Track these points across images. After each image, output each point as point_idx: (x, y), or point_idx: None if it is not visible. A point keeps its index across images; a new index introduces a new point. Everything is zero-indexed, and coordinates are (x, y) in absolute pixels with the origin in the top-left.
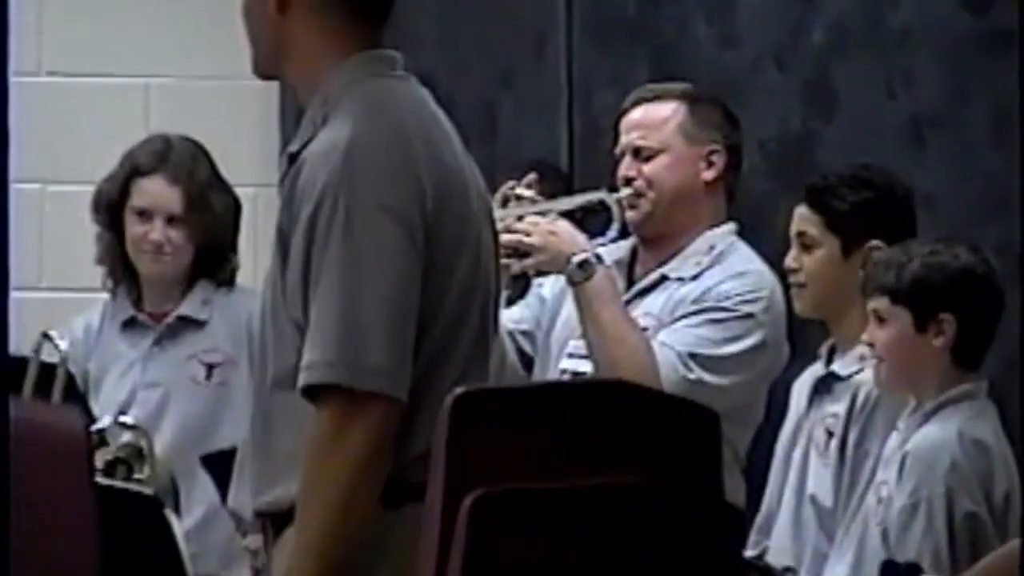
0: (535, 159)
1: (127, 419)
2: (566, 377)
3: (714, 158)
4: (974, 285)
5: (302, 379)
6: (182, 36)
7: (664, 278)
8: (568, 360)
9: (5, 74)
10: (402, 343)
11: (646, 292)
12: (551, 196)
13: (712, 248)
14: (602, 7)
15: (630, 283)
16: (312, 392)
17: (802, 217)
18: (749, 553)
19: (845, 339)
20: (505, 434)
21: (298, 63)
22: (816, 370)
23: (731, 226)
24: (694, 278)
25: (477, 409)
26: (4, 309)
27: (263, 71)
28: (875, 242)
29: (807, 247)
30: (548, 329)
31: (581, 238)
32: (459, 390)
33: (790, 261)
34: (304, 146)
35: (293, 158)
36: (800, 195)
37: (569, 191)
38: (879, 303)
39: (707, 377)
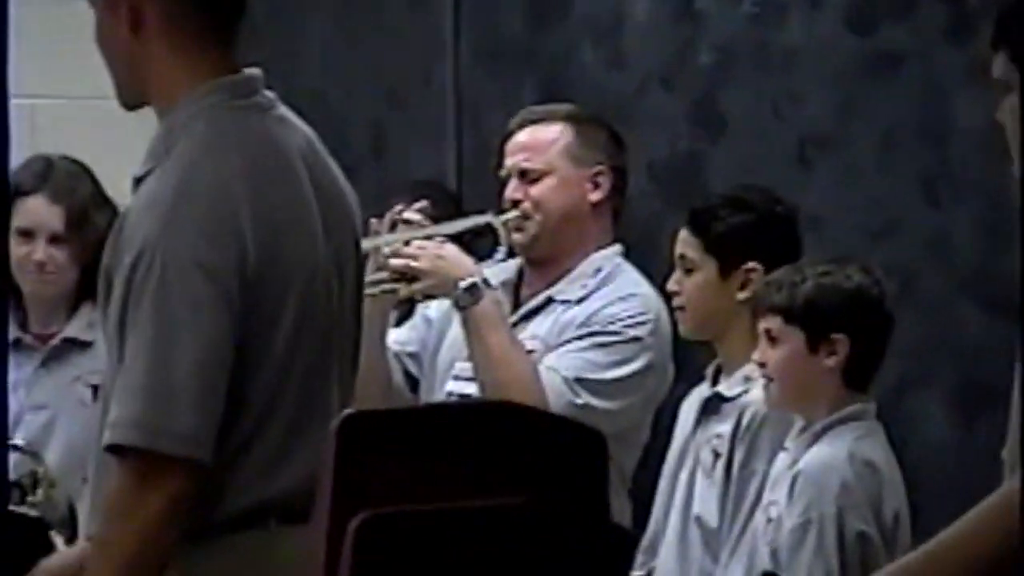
0: (424, 181)
1: (19, 442)
2: (452, 399)
3: (600, 180)
4: (867, 306)
5: (106, 436)
6: (67, 57)
7: (550, 300)
8: (454, 382)
9: (5, 75)
10: (210, 404)
11: (533, 314)
12: (440, 218)
13: (598, 270)
14: (490, 29)
15: (517, 305)
16: (114, 449)
17: (683, 239)
18: (636, 574)
19: (730, 360)
20: (392, 456)
21: (156, 88)
22: (702, 391)
23: (617, 248)
24: (580, 301)
25: (363, 431)
26: (4, 308)
27: (126, 100)
28: (751, 264)
29: (688, 270)
30: (434, 350)
31: (468, 262)
32: (345, 412)
33: (672, 284)
34: (147, 174)
35: (138, 182)
36: (686, 217)
37: (458, 213)
38: (772, 323)
39: (594, 401)
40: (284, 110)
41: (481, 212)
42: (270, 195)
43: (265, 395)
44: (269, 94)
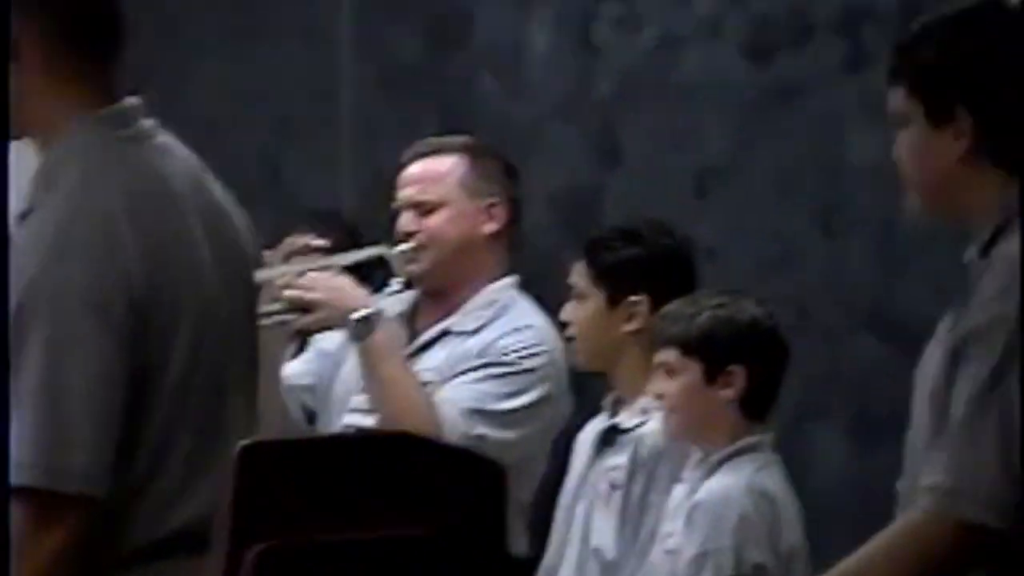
0: (319, 211)
1: None
2: (348, 431)
3: (495, 211)
4: (762, 337)
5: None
6: None
7: (446, 332)
8: (351, 415)
9: (5, 77)
10: (103, 439)
11: (428, 346)
12: (336, 250)
13: (493, 302)
14: (388, 56)
15: (413, 336)
16: (14, 492)
17: (576, 269)
18: None
19: (627, 391)
20: (291, 487)
21: (33, 121)
22: (599, 423)
23: (512, 279)
24: (475, 332)
25: (263, 461)
26: (4, 310)
27: (13, 134)
28: (637, 297)
29: (579, 300)
30: (330, 383)
31: (362, 293)
32: (245, 441)
33: (564, 313)
34: (29, 212)
35: (22, 219)
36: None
37: (354, 244)
38: (668, 355)
39: (490, 432)
40: (167, 138)
41: (375, 244)
42: (155, 227)
43: (163, 426)
44: (148, 123)
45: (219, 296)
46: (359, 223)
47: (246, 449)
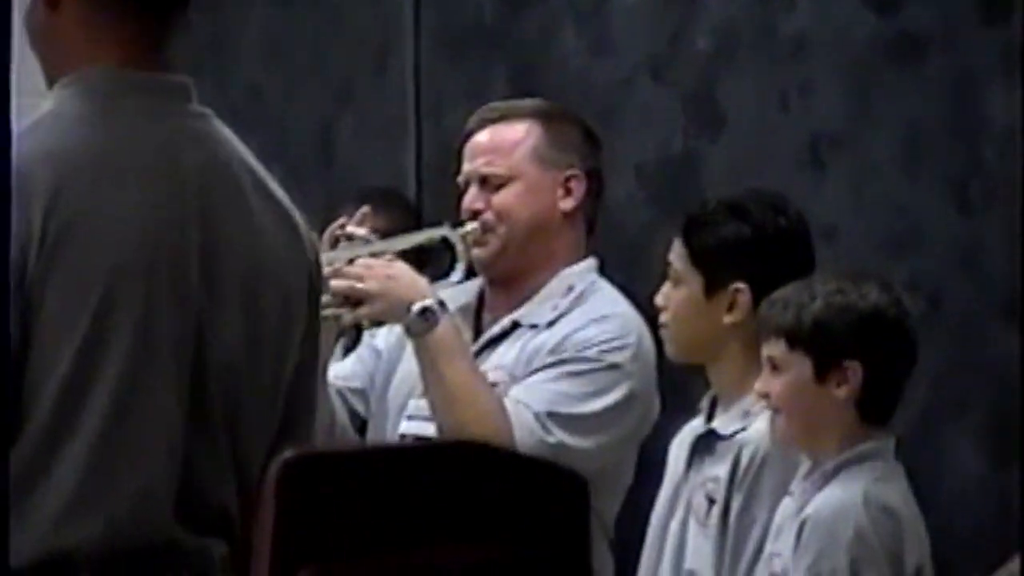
0: (378, 188)
1: None
2: (407, 441)
3: (572, 185)
4: (884, 329)
5: None
6: None
7: (516, 325)
8: (408, 422)
9: (6, 75)
10: None
11: (496, 342)
12: (394, 232)
13: (570, 289)
14: (454, 13)
15: (478, 332)
16: None
17: (674, 248)
18: None
19: (726, 392)
20: (340, 503)
21: (69, 69)
22: (695, 427)
23: (591, 262)
24: (550, 324)
25: (308, 475)
26: (5, 309)
27: (49, 82)
28: (739, 284)
29: (675, 283)
30: (384, 387)
31: (422, 283)
32: (288, 453)
33: (659, 297)
34: None
35: None
36: (681, 226)
37: (417, 225)
38: (775, 348)
39: (569, 439)
40: (207, 124)
41: (438, 224)
42: (87, 193)
43: (51, 420)
44: (195, 107)
45: (195, 295)
46: (423, 202)
47: (289, 462)
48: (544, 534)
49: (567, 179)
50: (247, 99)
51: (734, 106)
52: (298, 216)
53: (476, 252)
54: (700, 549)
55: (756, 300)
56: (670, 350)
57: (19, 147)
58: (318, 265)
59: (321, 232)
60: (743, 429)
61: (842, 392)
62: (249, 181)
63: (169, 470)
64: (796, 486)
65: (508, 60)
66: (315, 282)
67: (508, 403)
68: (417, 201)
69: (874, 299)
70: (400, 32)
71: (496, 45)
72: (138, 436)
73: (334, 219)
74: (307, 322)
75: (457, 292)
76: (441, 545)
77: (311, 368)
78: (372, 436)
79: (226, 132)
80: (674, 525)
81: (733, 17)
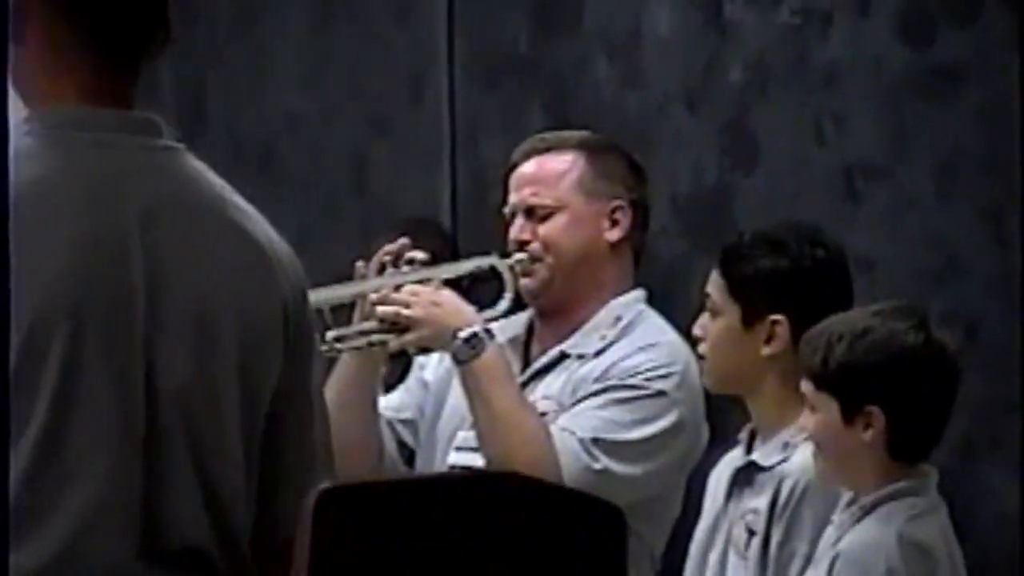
0: (413, 218)
1: None
2: (442, 473)
3: (618, 216)
4: (910, 372)
5: None
6: None
7: (564, 356)
8: (457, 453)
9: (5, 74)
10: None
11: (544, 372)
12: (432, 261)
13: (618, 319)
14: (489, 42)
15: (527, 364)
16: None
17: (712, 280)
18: None
19: (765, 423)
20: (377, 536)
21: (30, 104)
22: (735, 459)
23: (639, 293)
24: (598, 354)
25: (345, 507)
26: (5, 309)
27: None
28: (776, 316)
29: (712, 314)
30: (433, 418)
31: (468, 310)
32: (325, 485)
33: (696, 328)
34: None
35: None
36: (715, 257)
37: (453, 254)
38: (807, 387)
39: (615, 466)
40: (169, 157)
41: (485, 254)
42: (13, 231)
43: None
44: (161, 141)
45: (143, 331)
46: (458, 231)
47: (326, 493)
48: (581, 566)
49: (613, 210)
50: (283, 127)
51: (768, 137)
52: (276, 248)
53: (524, 282)
54: None
55: (794, 332)
56: (707, 381)
57: None
58: (298, 295)
59: (361, 261)
60: (783, 460)
61: (868, 435)
62: (211, 215)
63: (111, 501)
64: (837, 516)
65: (542, 89)
66: (292, 313)
67: (554, 430)
68: (452, 230)
69: (903, 340)
70: (435, 61)
71: (530, 74)
72: (69, 467)
73: (369, 247)
74: (286, 354)
75: (506, 324)
76: None
77: (296, 400)
78: (421, 467)
79: (195, 166)
80: (713, 557)
81: (766, 48)
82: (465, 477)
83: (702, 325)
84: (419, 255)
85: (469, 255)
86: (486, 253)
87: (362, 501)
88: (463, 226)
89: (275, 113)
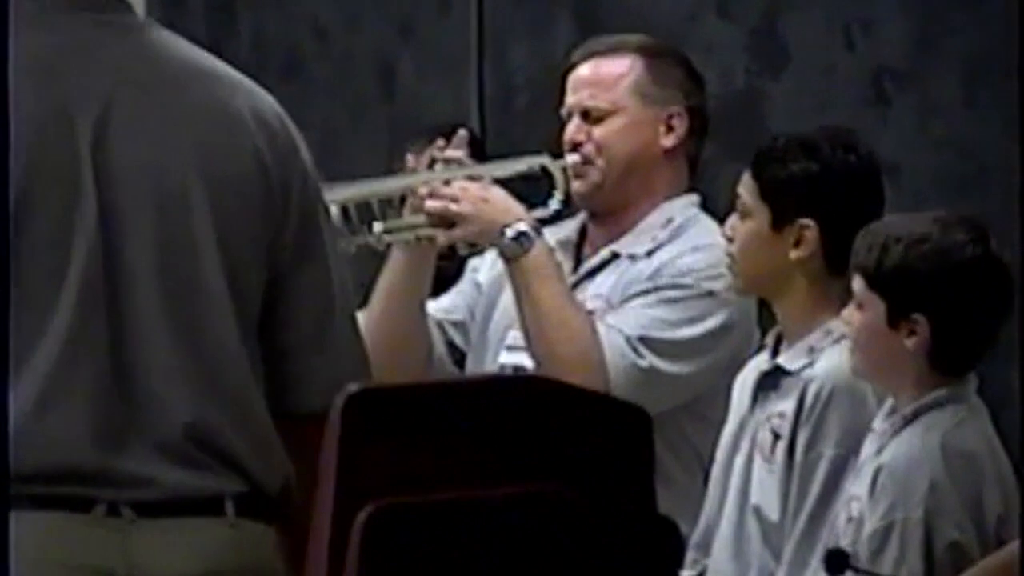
0: (441, 125)
1: None
2: (507, 372)
3: (674, 122)
4: (962, 286)
5: None
6: None
7: (615, 255)
8: (507, 353)
9: (5, 74)
10: None
11: (595, 272)
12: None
13: (670, 221)
14: None
15: (578, 265)
16: None
17: (743, 181)
18: (686, 573)
19: (791, 327)
20: (404, 439)
21: None
22: (760, 363)
23: (693, 197)
24: (649, 254)
25: (372, 409)
26: (5, 311)
27: None
28: (805, 220)
29: (742, 215)
30: (484, 320)
31: (517, 207)
32: (351, 387)
33: (726, 228)
34: None
35: None
36: (744, 162)
37: (481, 159)
38: (856, 284)
39: (661, 364)
40: (140, 29)
41: (537, 153)
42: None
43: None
44: (137, 17)
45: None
46: (486, 139)
47: (353, 397)
48: (608, 468)
49: (669, 116)
50: (310, 36)
51: (797, 42)
52: (257, 113)
53: (575, 184)
54: (765, 485)
55: (823, 236)
56: (735, 283)
57: None
58: (280, 154)
59: (411, 155)
60: (809, 365)
61: (911, 343)
62: (168, 85)
63: (61, 384)
64: (878, 425)
65: None
66: (270, 171)
67: (600, 327)
68: (481, 136)
69: (960, 252)
70: None
71: None
72: (18, 358)
73: (397, 154)
74: (273, 215)
75: (558, 228)
76: (505, 480)
77: (304, 263)
78: (471, 368)
79: (156, 40)
80: (739, 461)
81: None
82: (492, 380)
83: (732, 226)
84: (458, 154)
85: (500, 158)
86: (538, 153)
87: (389, 403)
88: (491, 133)
89: (302, 21)
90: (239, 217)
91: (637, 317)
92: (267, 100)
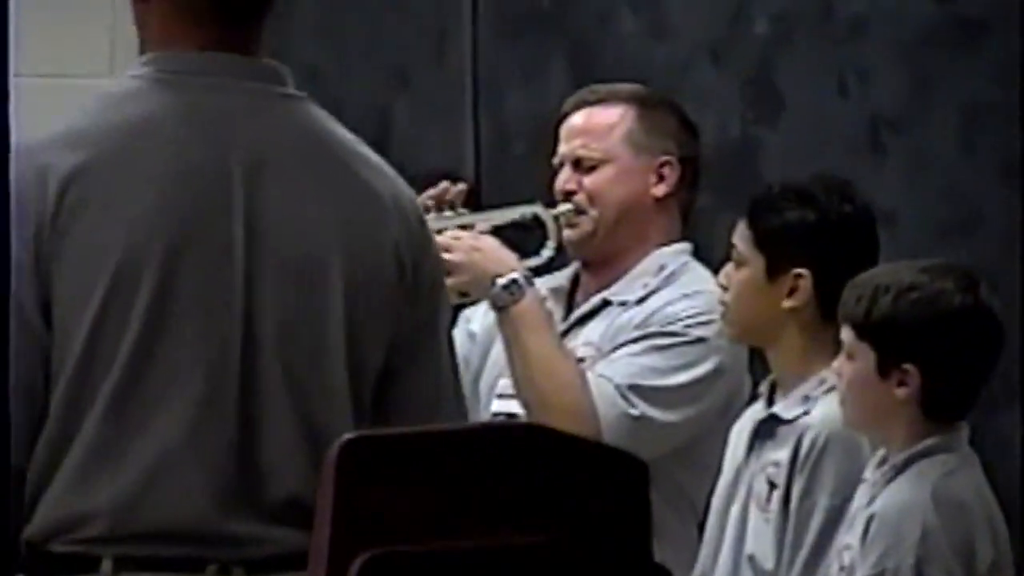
0: (436, 172)
1: None
2: (499, 420)
3: (666, 171)
4: (952, 334)
5: None
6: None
7: (607, 303)
8: (499, 401)
9: (5, 74)
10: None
11: (586, 319)
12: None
13: (662, 268)
14: None
15: (570, 313)
16: None
17: (739, 230)
18: None
19: (786, 376)
20: (400, 487)
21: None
22: (756, 412)
23: (685, 245)
24: (640, 301)
25: (368, 457)
26: (5, 306)
27: None
28: (800, 270)
29: (737, 264)
30: (478, 369)
31: (509, 256)
32: (347, 435)
33: (721, 276)
34: None
35: None
36: (739, 211)
37: (477, 208)
38: (846, 334)
39: (653, 413)
40: (286, 104)
41: (530, 202)
42: (108, 169)
43: (68, 397)
44: (282, 88)
45: (231, 270)
46: (481, 187)
47: (348, 444)
48: (603, 517)
49: (660, 165)
50: (303, 80)
51: (792, 90)
52: (397, 199)
53: (567, 233)
54: (761, 534)
55: (817, 286)
56: (729, 332)
57: (61, 122)
58: (415, 244)
59: None
60: (805, 413)
61: (902, 392)
62: (323, 163)
63: (193, 441)
64: (869, 475)
65: (565, 43)
66: (405, 261)
67: (591, 377)
68: (476, 185)
69: (948, 301)
70: (458, 15)
71: (553, 28)
72: (149, 406)
73: None
74: (399, 302)
75: (551, 278)
76: (501, 529)
77: (414, 351)
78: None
79: (314, 115)
80: (735, 510)
81: (790, 1)
82: (488, 428)
83: (726, 274)
84: (461, 186)
85: (499, 206)
86: (531, 202)
87: (384, 451)
88: (486, 180)
89: (296, 65)
90: (370, 300)
91: (627, 365)
92: (407, 190)
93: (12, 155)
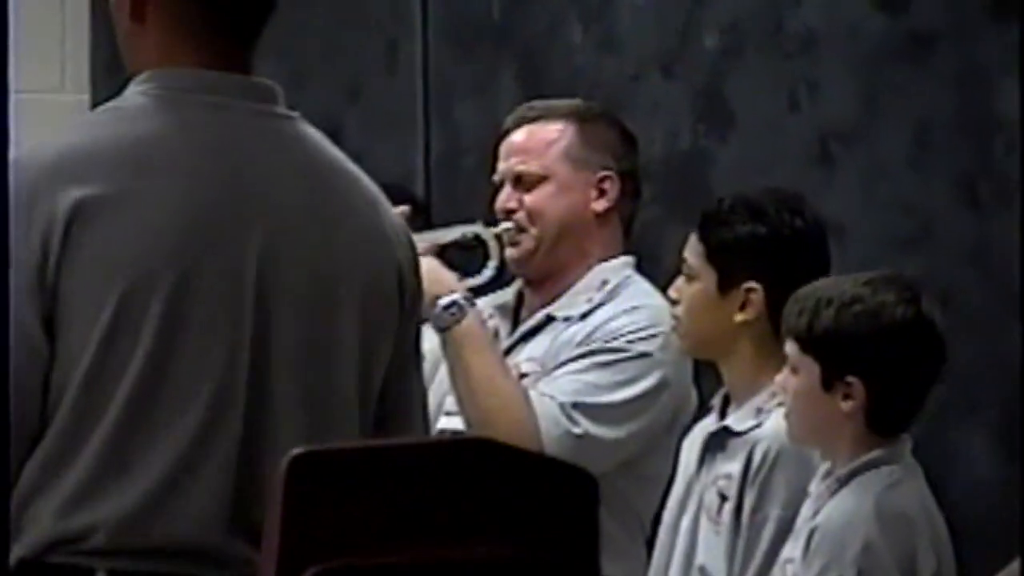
0: (387, 185)
1: None
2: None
3: (606, 185)
4: (895, 347)
5: None
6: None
7: (551, 319)
8: (446, 418)
9: (5, 74)
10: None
11: (530, 335)
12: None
13: (605, 283)
14: (462, 9)
15: (515, 329)
16: None
17: (690, 244)
18: None
19: (738, 389)
20: (348, 500)
21: (144, 68)
22: (708, 424)
23: (627, 259)
24: (583, 317)
25: (316, 472)
26: (5, 304)
27: (126, 81)
28: (752, 284)
29: (688, 278)
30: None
31: (450, 277)
32: (295, 451)
33: (672, 290)
34: None
35: None
36: (690, 223)
37: (426, 222)
38: (790, 348)
39: (596, 430)
40: (284, 125)
41: (470, 221)
42: (118, 184)
43: (73, 412)
44: (279, 108)
45: (234, 285)
46: (432, 198)
47: (297, 459)
48: (552, 531)
49: (600, 180)
50: None
51: (743, 103)
52: (390, 216)
53: (509, 251)
54: (712, 546)
55: (769, 299)
56: (682, 345)
57: (66, 138)
58: (411, 265)
59: None
60: (756, 426)
61: (847, 405)
62: (329, 182)
63: (203, 455)
64: (814, 488)
65: (516, 56)
66: (405, 282)
67: (533, 395)
68: (426, 197)
69: (890, 313)
70: (409, 28)
71: (504, 41)
72: (160, 421)
73: None
74: (398, 323)
75: (496, 295)
76: (449, 543)
77: (404, 369)
78: None
79: (310, 134)
80: (686, 522)
81: (741, 14)
82: (439, 443)
83: (677, 288)
84: (404, 208)
85: (445, 222)
86: (471, 221)
87: (334, 466)
88: (437, 193)
89: None
90: (378, 323)
91: (570, 383)
92: (395, 213)
93: (15, 162)
